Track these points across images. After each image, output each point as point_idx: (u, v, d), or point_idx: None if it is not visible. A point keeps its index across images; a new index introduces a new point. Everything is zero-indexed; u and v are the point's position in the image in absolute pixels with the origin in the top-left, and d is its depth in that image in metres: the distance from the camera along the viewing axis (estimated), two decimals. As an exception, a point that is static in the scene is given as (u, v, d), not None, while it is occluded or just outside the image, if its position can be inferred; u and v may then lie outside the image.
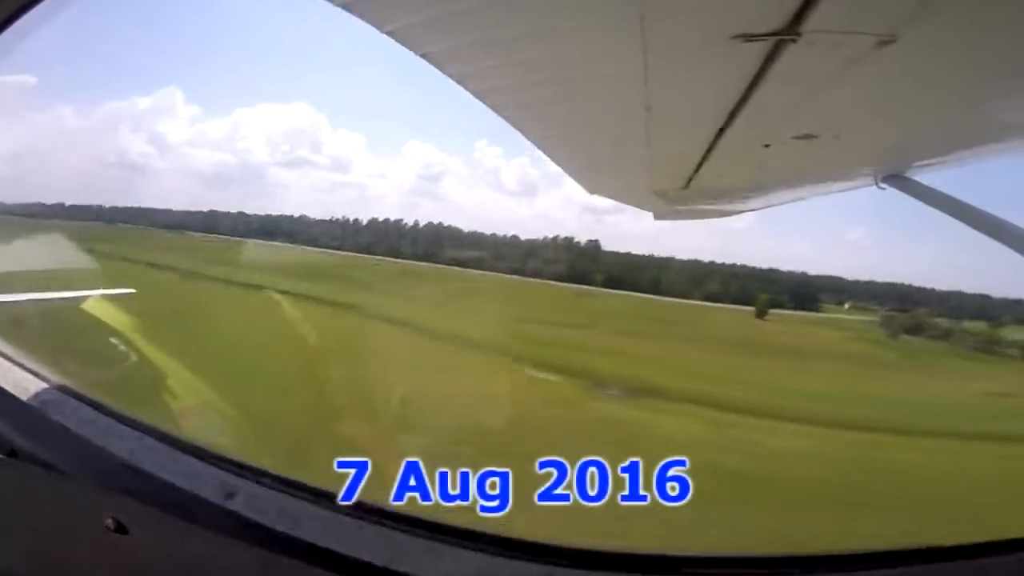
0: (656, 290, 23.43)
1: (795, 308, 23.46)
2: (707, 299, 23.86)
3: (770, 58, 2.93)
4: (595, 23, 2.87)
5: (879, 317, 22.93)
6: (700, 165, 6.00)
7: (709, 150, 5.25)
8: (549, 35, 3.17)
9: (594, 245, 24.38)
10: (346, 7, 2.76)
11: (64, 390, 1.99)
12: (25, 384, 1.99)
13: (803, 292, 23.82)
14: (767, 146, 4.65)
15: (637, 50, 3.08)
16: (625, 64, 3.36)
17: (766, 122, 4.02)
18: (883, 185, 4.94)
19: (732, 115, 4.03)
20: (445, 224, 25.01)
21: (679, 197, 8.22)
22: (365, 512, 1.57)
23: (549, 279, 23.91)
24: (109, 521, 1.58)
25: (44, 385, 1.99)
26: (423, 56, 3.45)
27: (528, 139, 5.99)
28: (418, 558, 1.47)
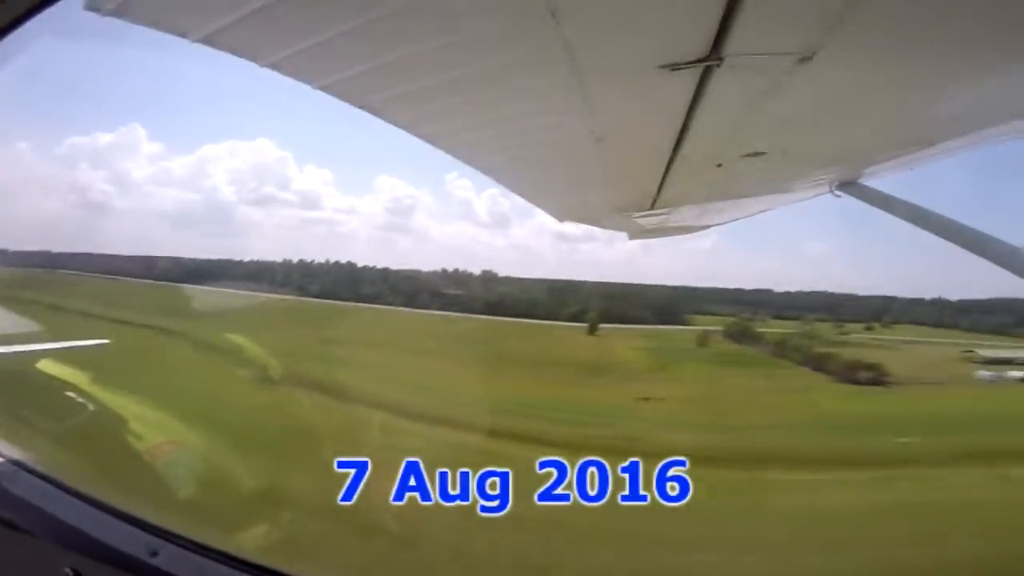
0: (528, 314, 27.00)
1: (660, 323, 26.91)
2: (570, 319, 27.20)
3: (702, 83, 2.97)
4: (524, 56, 2.88)
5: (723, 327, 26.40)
6: (661, 186, 6.05)
7: (666, 172, 5.30)
8: (483, 75, 3.18)
9: (490, 274, 28.40)
10: (272, 67, 2.75)
11: (17, 464, 2.32)
12: None
13: (670, 307, 27.56)
14: (719, 166, 4.69)
15: (573, 82, 3.10)
16: (566, 96, 3.39)
17: (713, 143, 4.06)
18: (838, 192, 5.00)
19: (680, 138, 4.07)
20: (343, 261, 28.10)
21: (647, 217, 8.29)
22: (260, 571, 1.85)
23: (435, 309, 27.12)
24: (68, 571, 1.87)
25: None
26: (361, 107, 3.44)
27: (487, 176, 6.03)
28: None
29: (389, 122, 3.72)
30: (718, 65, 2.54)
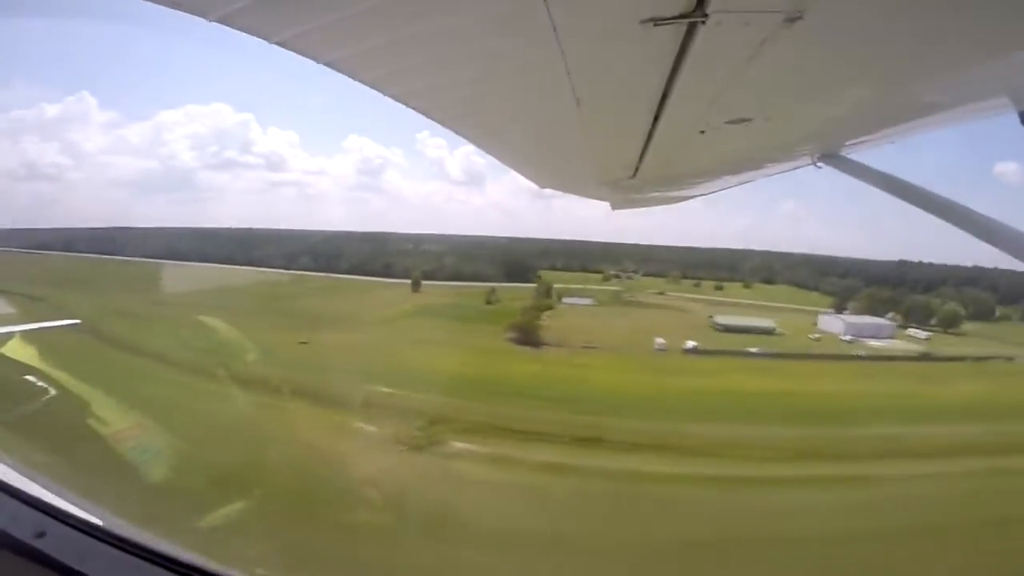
0: (387, 273, 33.49)
1: (509, 280, 33.40)
2: (425, 277, 33.52)
3: (686, 42, 2.81)
4: (499, 11, 2.69)
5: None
6: (643, 154, 5.91)
7: (648, 139, 5.16)
8: (456, 30, 2.99)
9: (382, 235, 34.65)
10: (221, 21, 2.52)
11: None
12: None
13: (521, 265, 35.64)
14: (703, 132, 4.55)
15: (550, 38, 2.92)
16: (543, 54, 3.20)
17: (696, 107, 3.91)
18: (820, 164, 4.93)
19: (662, 102, 3.91)
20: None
21: (630, 187, 8.16)
22: (142, 551, 1.70)
23: (299, 269, 35.23)
24: None
25: None
26: (327, 65, 3.22)
27: (464, 139, 5.82)
28: None
29: (358, 80, 3.51)
30: (703, 22, 2.39)
